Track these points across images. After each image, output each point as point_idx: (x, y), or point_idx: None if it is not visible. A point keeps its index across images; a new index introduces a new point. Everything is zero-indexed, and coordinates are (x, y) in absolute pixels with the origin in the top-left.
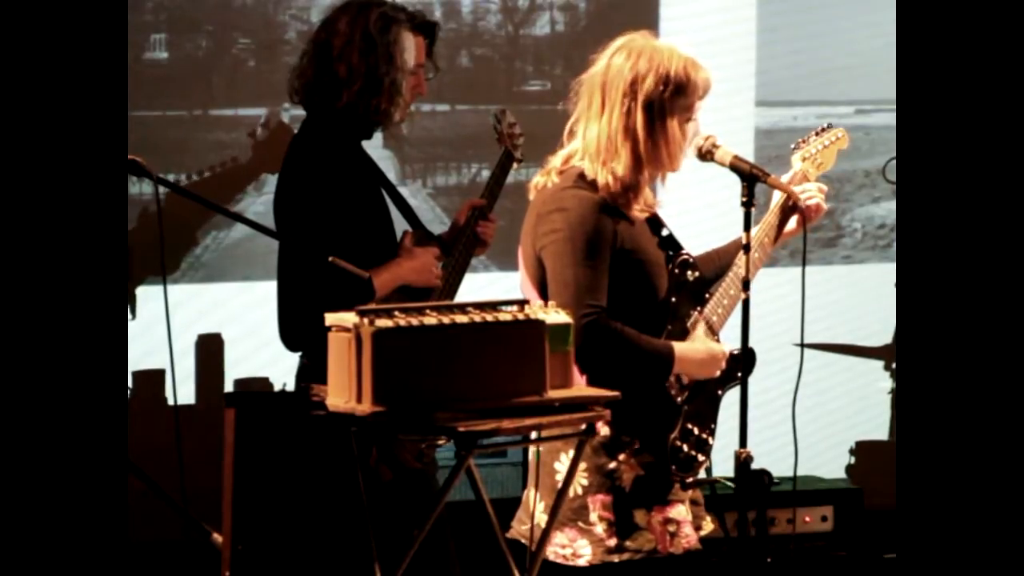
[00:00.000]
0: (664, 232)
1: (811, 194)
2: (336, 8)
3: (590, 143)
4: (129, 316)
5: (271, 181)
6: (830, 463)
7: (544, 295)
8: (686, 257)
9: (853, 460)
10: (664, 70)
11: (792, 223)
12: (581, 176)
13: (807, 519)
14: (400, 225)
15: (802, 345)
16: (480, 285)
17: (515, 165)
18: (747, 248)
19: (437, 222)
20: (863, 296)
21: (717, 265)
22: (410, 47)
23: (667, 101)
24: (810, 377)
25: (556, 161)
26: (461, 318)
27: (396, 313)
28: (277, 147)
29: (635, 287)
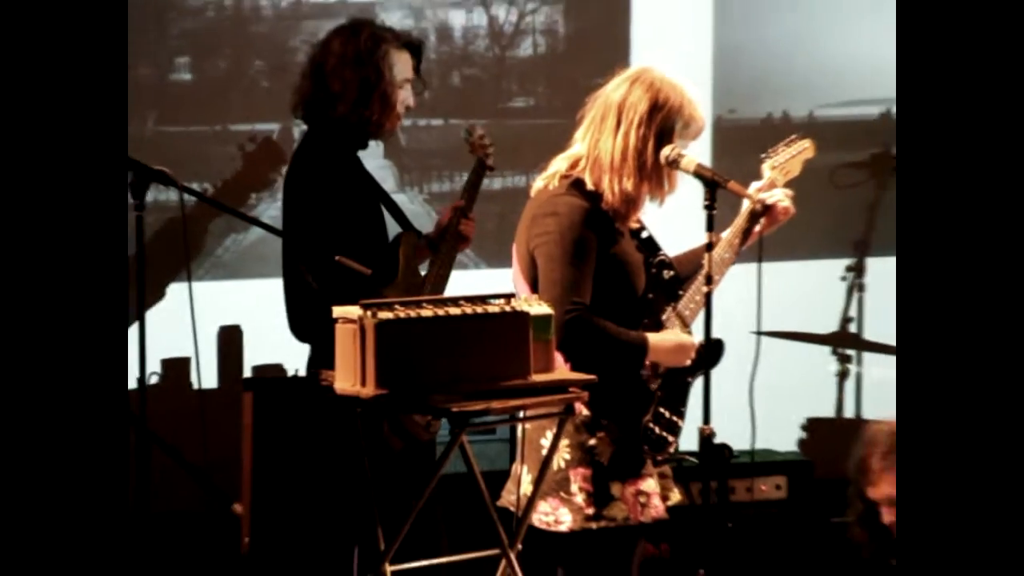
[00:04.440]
0: (644, 235)
1: (779, 199)
2: (330, 31)
3: (602, 156)
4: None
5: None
6: (784, 438)
7: (535, 289)
8: (663, 258)
9: (804, 435)
10: (678, 105)
11: (759, 225)
12: (576, 184)
13: (763, 488)
14: (392, 227)
15: (759, 333)
16: (472, 281)
17: (488, 171)
18: (710, 246)
19: (431, 224)
20: (812, 288)
21: (691, 264)
22: (398, 63)
23: (675, 133)
24: (766, 362)
25: (562, 165)
26: (454, 310)
27: (396, 307)
28: (286, 158)
29: (616, 285)
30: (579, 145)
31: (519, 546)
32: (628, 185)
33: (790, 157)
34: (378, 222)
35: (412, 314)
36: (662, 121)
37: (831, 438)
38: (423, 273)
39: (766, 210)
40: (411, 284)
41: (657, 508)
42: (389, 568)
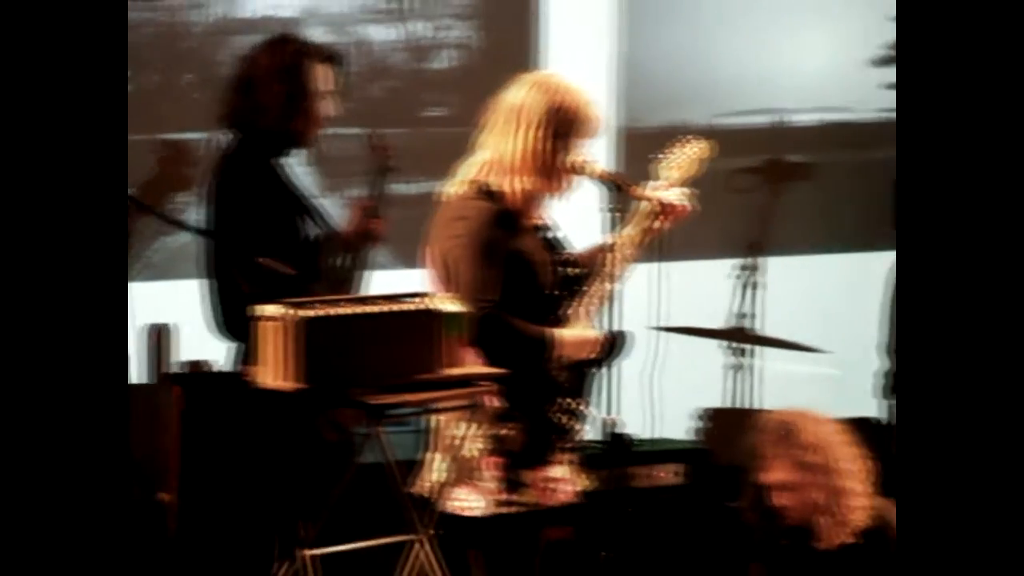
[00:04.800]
0: (550, 235)
1: (676, 199)
2: (256, 45)
3: (504, 158)
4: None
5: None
6: (682, 427)
7: (448, 289)
8: (567, 256)
9: (701, 425)
10: (574, 107)
11: (658, 223)
12: (484, 189)
13: (663, 475)
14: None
15: (659, 328)
16: (389, 281)
17: (389, 172)
18: (612, 247)
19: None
20: (710, 286)
21: (594, 262)
22: (321, 76)
23: (571, 134)
24: (666, 355)
25: (469, 171)
26: (371, 308)
27: (316, 305)
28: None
29: (524, 283)
30: (483, 150)
31: (432, 531)
32: (528, 184)
33: (685, 158)
34: (301, 225)
35: (331, 312)
36: (559, 123)
37: (726, 428)
38: (343, 273)
39: (664, 209)
40: (332, 283)
41: (564, 493)
42: (307, 553)
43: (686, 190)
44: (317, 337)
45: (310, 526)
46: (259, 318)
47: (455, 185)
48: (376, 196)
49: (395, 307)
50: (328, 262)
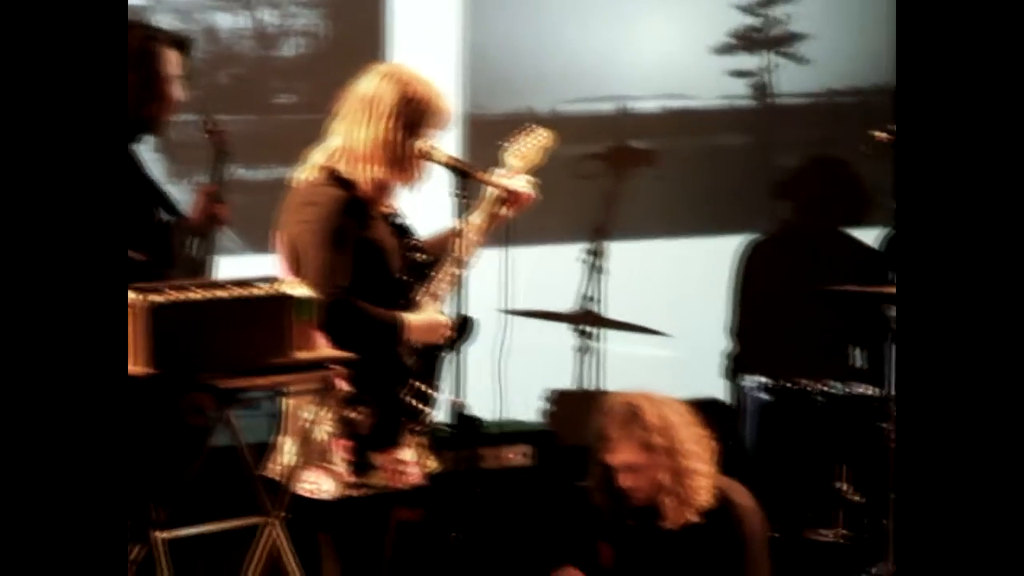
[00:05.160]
0: (398, 221)
1: (521, 186)
2: None
3: (355, 147)
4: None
5: None
6: (529, 409)
7: (298, 274)
8: (415, 242)
9: (548, 406)
10: (425, 99)
11: (504, 210)
12: (334, 175)
13: (511, 456)
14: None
15: (506, 312)
16: (239, 265)
17: (225, 156)
18: (459, 233)
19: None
20: (556, 270)
21: (442, 247)
22: (170, 61)
23: (421, 125)
24: (513, 338)
25: (319, 157)
26: (221, 293)
27: (166, 290)
28: None
29: (373, 269)
30: (335, 138)
31: (283, 513)
32: (380, 173)
33: (530, 146)
34: (154, 211)
35: (182, 297)
36: (410, 113)
37: (573, 409)
38: (193, 258)
39: (510, 196)
40: (185, 269)
41: (414, 475)
42: (159, 535)
43: (530, 178)
44: (166, 322)
45: (161, 509)
46: None
47: (305, 171)
48: (218, 181)
49: (245, 292)
50: (180, 248)
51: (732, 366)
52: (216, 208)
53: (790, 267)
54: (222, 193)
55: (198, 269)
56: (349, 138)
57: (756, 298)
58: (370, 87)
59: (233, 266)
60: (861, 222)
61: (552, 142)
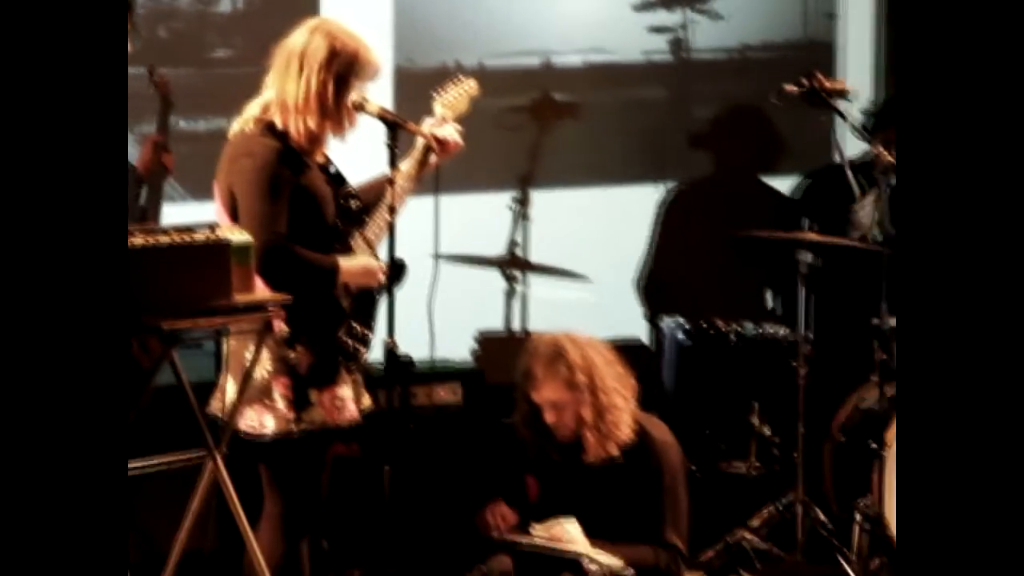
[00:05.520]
0: (332, 170)
1: (449, 134)
2: None
3: (288, 100)
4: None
5: None
6: (459, 350)
7: (236, 221)
8: (349, 190)
9: (477, 347)
10: (354, 52)
11: (433, 158)
12: (269, 127)
13: (441, 394)
14: None
15: (436, 256)
16: (180, 213)
17: (170, 106)
18: (392, 181)
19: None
20: (484, 217)
21: (375, 194)
22: None
23: (351, 77)
24: (443, 282)
25: (255, 110)
26: (164, 239)
27: None
28: None
29: (308, 216)
30: (269, 91)
31: (225, 449)
32: (312, 124)
33: (458, 96)
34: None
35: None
36: (339, 66)
37: (500, 349)
38: (142, 206)
39: (439, 144)
40: (133, 217)
41: (351, 412)
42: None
43: (458, 127)
44: None
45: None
46: None
47: (241, 123)
48: (163, 131)
49: (187, 238)
50: (128, 197)
51: (651, 308)
52: (163, 157)
53: (708, 214)
54: (167, 143)
55: (146, 216)
56: (282, 91)
57: (676, 243)
58: (299, 41)
59: (176, 214)
60: (775, 170)
61: (478, 92)
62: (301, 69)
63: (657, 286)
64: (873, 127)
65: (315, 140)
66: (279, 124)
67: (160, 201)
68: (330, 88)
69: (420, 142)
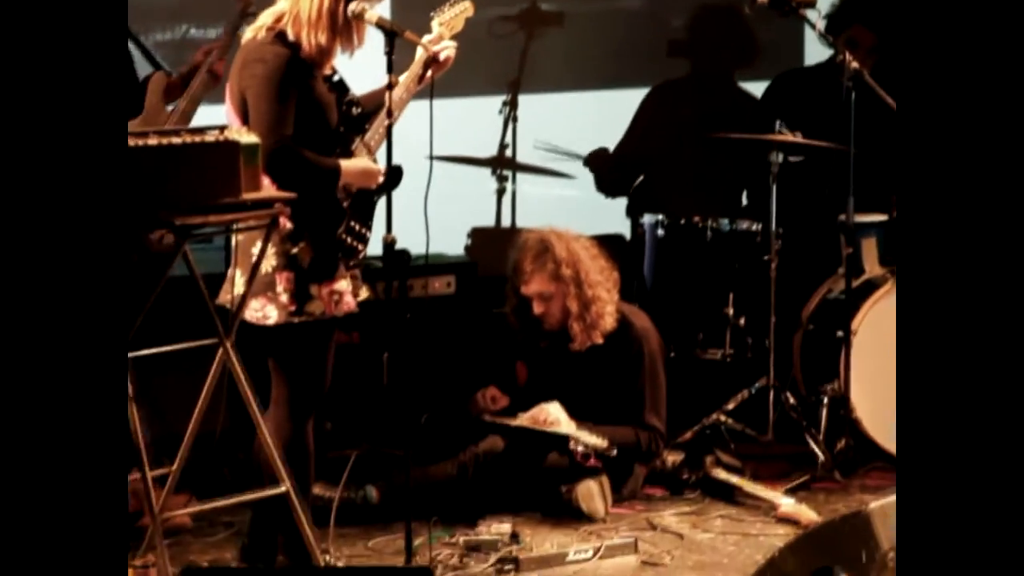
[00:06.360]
0: (336, 78)
1: (445, 48)
2: None
3: (301, 13)
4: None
5: None
6: (453, 244)
7: (246, 123)
8: (351, 97)
9: (469, 242)
10: None
11: (430, 71)
12: (280, 36)
13: (436, 285)
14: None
15: (431, 157)
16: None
17: (250, 16)
18: (391, 86)
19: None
20: (476, 120)
21: (375, 102)
22: None
23: None
24: (438, 182)
25: (267, 19)
26: (176, 140)
27: (129, 137)
28: None
29: (313, 121)
30: (283, 2)
31: (233, 337)
32: (323, 40)
33: (455, 15)
34: (127, 62)
35: (140, 143)
36: None
37: (491, 244)
38: (170, 108)
39: (435, 58)
40: (153, 118)
41: (349, 303)
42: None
43: (453, 43)
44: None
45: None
46: None
47: (254, 30)
48: (228, 41)
49: (199, 139)
50: (153, 99)
51: (631, 203)
52: (216, 65)
53: (686, 114)
54: (226, 52)
55: (182, 117)
56: (296, 5)
57: (655, 139)
58: None
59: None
60: (751, 75)
61: (472, 12)
62: None
63: (633, 179)
64: (835, 29)
65: (324, 54)
66: (291, 36)
67: (197, 105)
68: (341, 5)
69: (419, 56)
